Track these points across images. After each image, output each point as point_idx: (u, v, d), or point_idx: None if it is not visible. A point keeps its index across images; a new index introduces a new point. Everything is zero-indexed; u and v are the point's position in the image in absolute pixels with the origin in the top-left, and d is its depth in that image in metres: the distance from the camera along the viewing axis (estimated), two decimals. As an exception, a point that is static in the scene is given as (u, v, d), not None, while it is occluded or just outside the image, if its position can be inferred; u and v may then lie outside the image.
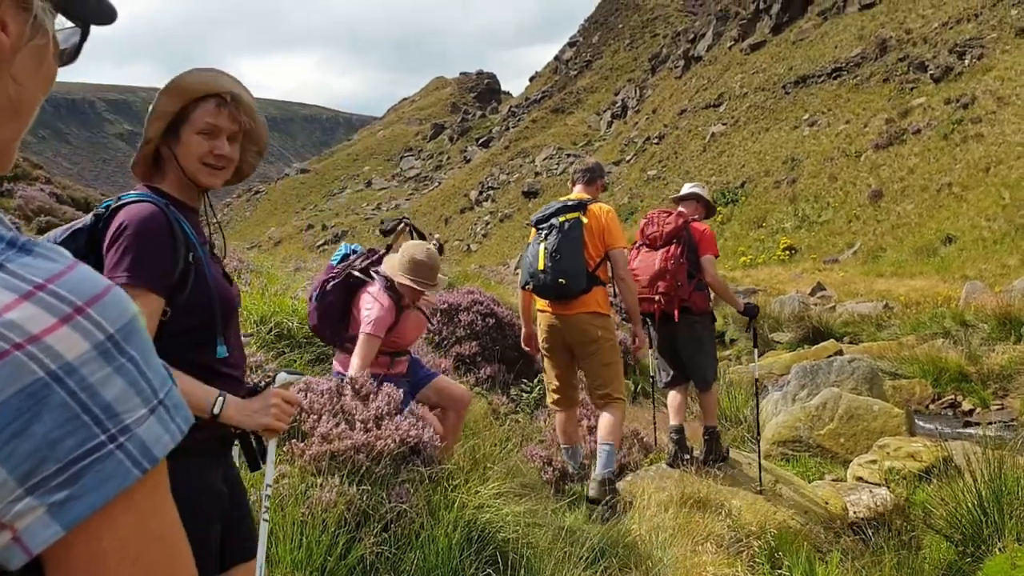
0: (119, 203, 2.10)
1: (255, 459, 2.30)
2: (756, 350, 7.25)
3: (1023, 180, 26.58)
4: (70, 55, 0.88)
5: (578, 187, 5.74)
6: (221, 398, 2.06)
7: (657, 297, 5.92)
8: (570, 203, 5.50)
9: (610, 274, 5.48)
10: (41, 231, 15.98)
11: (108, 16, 0.89)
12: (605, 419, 5.47)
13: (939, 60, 40.78)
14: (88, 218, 2.11)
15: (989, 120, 32.27)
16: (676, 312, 5.90)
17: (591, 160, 5.96)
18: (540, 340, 5.66)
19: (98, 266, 2.00)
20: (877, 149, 36.83)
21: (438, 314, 7.49)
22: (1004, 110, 32.18)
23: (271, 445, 2.46)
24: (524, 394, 7.08)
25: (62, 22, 0.86)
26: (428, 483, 3.80)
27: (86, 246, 2.07)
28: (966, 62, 38.99)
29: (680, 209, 6.34)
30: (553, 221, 5.43)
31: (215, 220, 2.37)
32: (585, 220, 5.38)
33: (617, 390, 5.47)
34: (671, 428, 6.10)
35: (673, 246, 5.95)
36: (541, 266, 5.33)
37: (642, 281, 5.97)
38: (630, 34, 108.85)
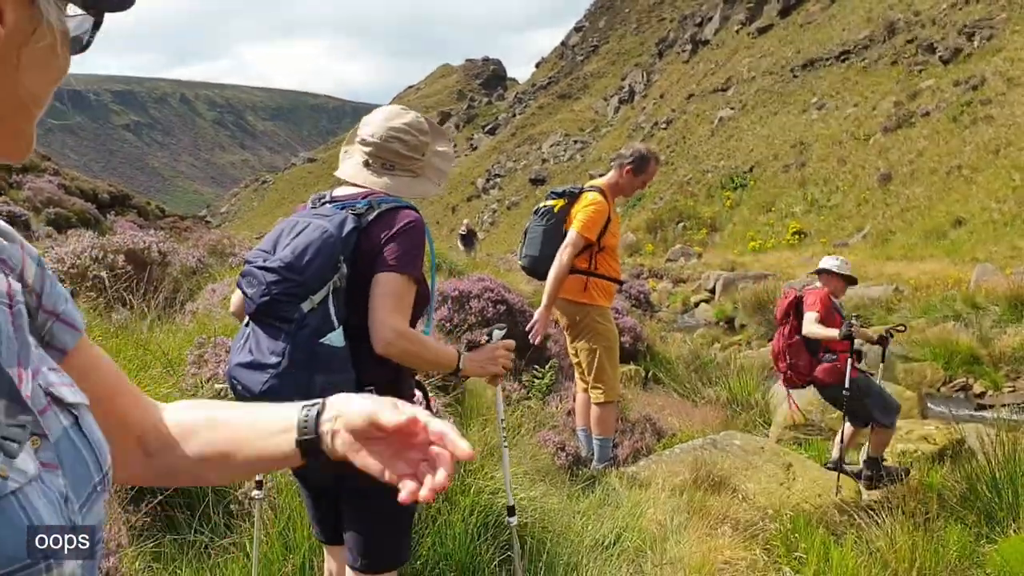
0: (390, 205, 2.48)
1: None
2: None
3: (1034, 161, 26.43)
4: (82, 45, 0.87)
5: (610, 173, 5.80)
6: (462, 355, 2.53)
7: (780, 374, 6.42)
8: (557, 191, 5.69)
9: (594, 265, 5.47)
10: (50, 222, 16.05)
11: (124, 2, 0.87)
12: (593, 414, 5.55)
13: (948, 41, 40.50)
14: (352, 217, 2.42)
15: (999, 102, 32.04)
16: (802, 383, 6.31)
17: (637, 145, 5.94)
18: None
19: (364, 251, 2.40)
20: (886, 132, 36.64)
21: (449, 301, 7.49)
22: (1014, 91, 31.95)
23: (498, 390, 3.09)
24: (536, 380, 7.09)
25: (74, 9, 0.84)
26: (444, 468, 3.81)
27: (357, 238, 2.41)
28: (975, 43, 38.71)
29: (817, 284, 6.48)
30: (539, 206, 5.68)
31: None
32: (567, 208, 5.50)
33: (599, 381, 5.47)
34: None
35: (784, 325, 6.25)
36: (517, 247, 5.72)
37: (772, 357, 6.51)
38: (637, 18, 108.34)
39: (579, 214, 5.37)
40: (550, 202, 5.57)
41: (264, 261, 2.37)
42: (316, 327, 2.29)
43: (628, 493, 4.90)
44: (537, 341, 5.36)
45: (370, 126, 2.61)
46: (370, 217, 2.44)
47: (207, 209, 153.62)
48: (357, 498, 2.50)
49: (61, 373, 0.91)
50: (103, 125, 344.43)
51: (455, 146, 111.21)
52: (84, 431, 0.88)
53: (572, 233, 5.30)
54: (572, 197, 5.53)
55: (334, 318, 2.32)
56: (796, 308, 6.18)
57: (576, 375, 5.88)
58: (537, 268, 5.51)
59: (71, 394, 0.88)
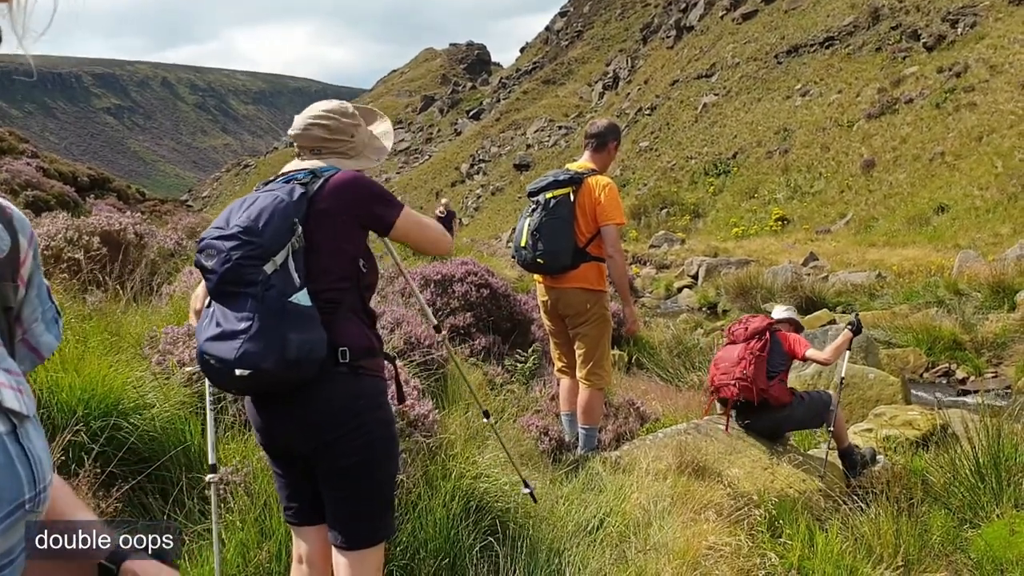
0: (331, 174, 2.58)
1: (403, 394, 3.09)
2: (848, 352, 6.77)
3: (1016, 149, 26.52)
4: None
5: (586, 154, 5.52)
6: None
7: (733, 382, 5.88)
8: (562, 177, 5.33)
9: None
10: (28, 205, 15.81)
11: None
12: (583, 401, 5.43)
13: (932, 28, 40.56)
14: (299, 186, 2.53)
15: (982, 89, 32.14)
16: (755, 397, 5.85)
17: (603, 121, 5.66)
18: (541, 309, 5.71)
19: (317, 215, 2.50)
20: (869, 119, 36.71)
21: (431, 284, 7.42)
22: (997, 79, 32.04)
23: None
24: (519, 364, 7.03)
25: None
26: (426, 453, 3.74)
27: (307, 204, 2.50)
28: (959, 30, 38.79)
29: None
30: (540, 197, 5.32)
31: None
32: (575, 196, 5.22)
33: (598, 367, 5.39)
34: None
35: (755, 341, 5.95)
36: (524, 243, 5.32)
37: (723, 368, 6.02)
38: (621, 3, 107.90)
39: (606, 202, 5.16)
40: (559, 191, 5.24)
41: (219, 234, 2.42)
42: (282, 287, 2.34)
43: (611, 478, 4.85)
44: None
45: (293, 124, 2.75)
46: (316, 185, 2.54)
47: (188, 193, 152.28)
48: (337, 478, 2.51)
49: (15, 374, 0.82)
50: (84, 108, 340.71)
51: (438, 131, 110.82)
52: (21, 442, 0.79)
53: (612, 228, 5.17)
54: (577, 183, 5.26)
55: (296, 277, 2.37)
56: (771, 332, 6.02)
57: (557, 363, 5.74)
58: (558, 262, 5.23)
59: (14, 399, 0.79)
